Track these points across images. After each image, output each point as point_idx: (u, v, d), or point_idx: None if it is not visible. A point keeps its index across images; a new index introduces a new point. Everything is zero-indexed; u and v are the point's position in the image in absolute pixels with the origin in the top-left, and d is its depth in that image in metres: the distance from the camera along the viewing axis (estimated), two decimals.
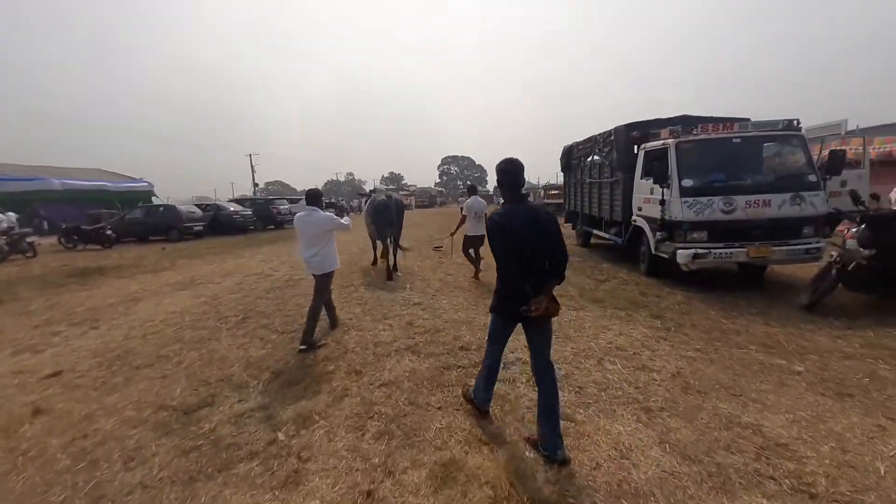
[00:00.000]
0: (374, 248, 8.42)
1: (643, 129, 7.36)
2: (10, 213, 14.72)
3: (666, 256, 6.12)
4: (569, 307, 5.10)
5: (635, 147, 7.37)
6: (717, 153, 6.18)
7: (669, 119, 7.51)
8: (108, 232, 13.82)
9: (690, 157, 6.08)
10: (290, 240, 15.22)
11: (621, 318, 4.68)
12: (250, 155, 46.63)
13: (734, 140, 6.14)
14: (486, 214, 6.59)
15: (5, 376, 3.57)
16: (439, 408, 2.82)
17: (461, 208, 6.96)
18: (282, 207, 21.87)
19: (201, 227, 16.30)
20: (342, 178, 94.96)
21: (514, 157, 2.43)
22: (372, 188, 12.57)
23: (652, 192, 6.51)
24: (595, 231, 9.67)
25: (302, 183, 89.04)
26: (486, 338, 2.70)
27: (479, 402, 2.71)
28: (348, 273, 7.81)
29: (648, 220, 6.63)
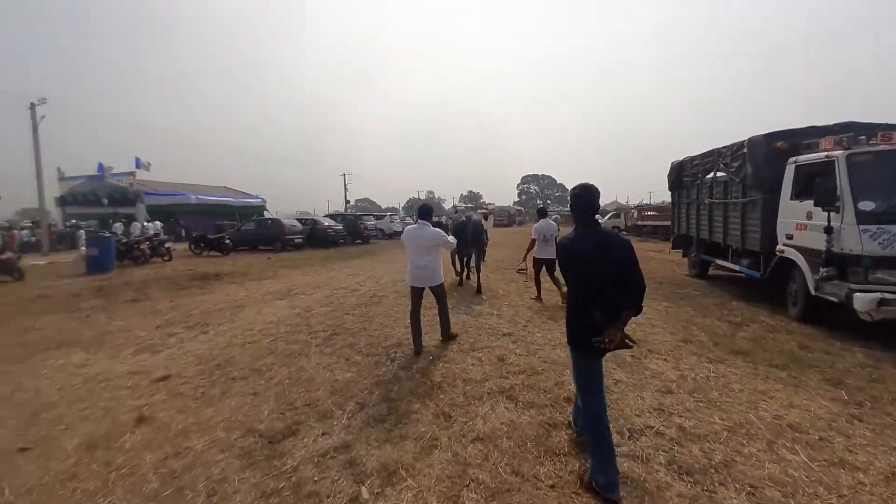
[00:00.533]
0: (454, 265, 8.64)
1: (791, 139, 6.00)
2: (157, 222, 17.60)
3: (835, 300, 4.75)
4: (703, 358, 4.12)
5: (778, 161, 6.02)
6: None
7: (826, 127, 6.03)
8: (227, 241, 15.72)
9: (868, 173, 4.71)
10: (375, 255, 15.79)
11: (783, 380, 3.59)
12: (344, 175, 50.86)
13: None
14: (555, 237, 6.60)
15: (123, 376, 3.84)
16: (552, 486, 2.22)
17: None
18: (368, 223, 23.15)
19: (301, 240, 17.76)
20: (423, 196, 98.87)
21: (590, 182, 2.34)
22: (453, 207, 12.85)
23: (809, 217, 5.20)
24: (717, 261, 8.18)
25: (386, 200, 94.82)
26: (576, 387, 2.39)
27: (602, 489, 2.11)
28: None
29: (804, 251, 5.28)
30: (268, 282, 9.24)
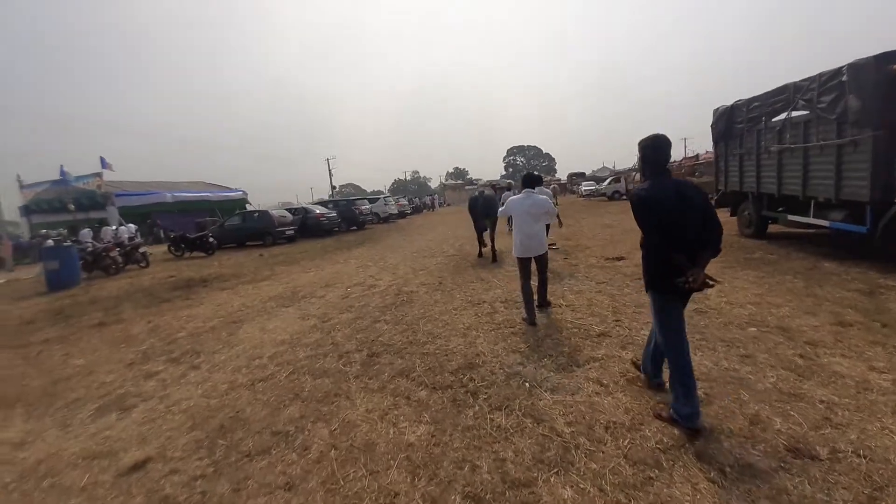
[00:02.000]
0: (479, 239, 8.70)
1: None
2: (131, 225, 15.78)
3: None
4: (888, 347, 2.97)
5: (893, 89, 4.79)
6: None
7: None
8: (211, 239, 14.09)
9: None
10: (377, 241, 14.39)
11: None
12: (328, 159, 48.42)
13: None
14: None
15: (76, 465, 2.51)
16: None
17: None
18: (363, 208, 21.56)
19: (292, 231, 16.19)
20: (408, 177, 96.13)
21: (661, 133, 2.31)
22: (479, 188, 12.39)
23: None
24: (790, 217, 7.05)
25: (371, 184, 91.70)
26: (658, 331, 2.36)
27: (686, 420, 2.21)
28: (470, 283, 6.31)
29: None
30: (265, 284, 7.85)
